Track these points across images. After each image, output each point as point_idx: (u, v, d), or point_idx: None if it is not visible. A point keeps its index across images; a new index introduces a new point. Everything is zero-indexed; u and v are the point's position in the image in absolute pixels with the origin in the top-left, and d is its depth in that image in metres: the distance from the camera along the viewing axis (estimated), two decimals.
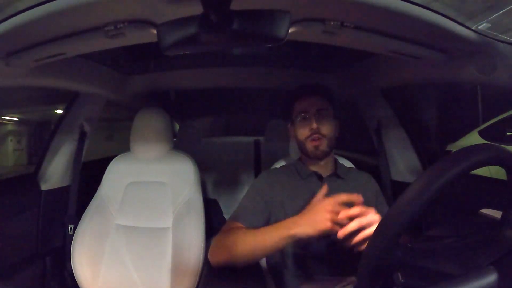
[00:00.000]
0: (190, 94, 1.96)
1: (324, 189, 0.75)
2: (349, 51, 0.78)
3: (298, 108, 0.93)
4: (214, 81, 1.46)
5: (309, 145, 0.91)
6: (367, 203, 0.91)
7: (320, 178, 0.93)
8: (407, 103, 1.44)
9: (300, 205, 0.89)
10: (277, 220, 0.89)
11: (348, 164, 1.08)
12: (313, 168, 0.95)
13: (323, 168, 0.95)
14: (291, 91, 0.99)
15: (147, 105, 1.31)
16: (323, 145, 0.90)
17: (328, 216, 0.67)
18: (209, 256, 0.83)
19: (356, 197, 0.70)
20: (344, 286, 0.82)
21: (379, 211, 0.91)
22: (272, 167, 1.10)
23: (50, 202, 1.28)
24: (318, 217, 0.68)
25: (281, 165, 1.08)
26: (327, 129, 0.90)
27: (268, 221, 0.90)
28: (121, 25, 0.62)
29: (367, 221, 0.65)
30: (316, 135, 0.89)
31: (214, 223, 1.54)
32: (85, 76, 1.11)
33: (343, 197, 0.70)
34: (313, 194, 0.90)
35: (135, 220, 1.13)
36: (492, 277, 0.40)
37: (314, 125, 0.88)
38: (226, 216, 1.65)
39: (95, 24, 0.63)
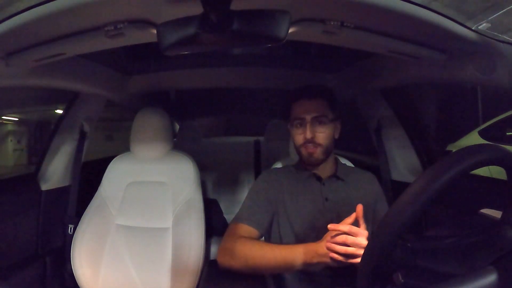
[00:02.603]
0: (190, 94, 1.96)
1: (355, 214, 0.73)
2: (349, 51, 0.78)
3: (295, 113, 0.91)
4: (214, 81, 1.46)
5: (304, 152, 0.90)
6: (367, 204, 0.92)
7: (319, 179, 0.93)
8: (407, 103, 1.43)
9: (301, 208, 0.89)
10: (280, 221, 0.89)
11: (350, 164, 1.08)
12: (313, 170, 0.94)
13: (323, 170, 0.94)
14: (289, 92, 0.97)
15: (147, 105, 1.31)
16: (318, 153, 0.89)
17: (328, 245, 0.69)
18: (219, 259, 0.83)
19: (358, 209, 0.71)
20: (345, 286, 0.82)
21: (379, 212, 0.91)
22: (272, 167, 1.10)
23: (50, 202, 1.28)
24: (322, 249, 0.71)
25: (281, 166, 1.08)
26: (322, 137, 0.88)
27: (272, 220, 0.91)
28: (121, 25, 0.62)
29: (352, 240, 0.67)
30: (310, 144, 0.88)
31: (214, 223, 1.53)
32: (85, 76, 1.11)
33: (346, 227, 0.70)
34: (312, 196, 0.90)
35: (135, 220, 1.13)
36: (492, 277, 0.40)
37: (309, 134, 0.86)
38: (226, 216, 1.65)
39: (95, 24, 0.63)
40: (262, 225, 0.88)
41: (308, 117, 0.88)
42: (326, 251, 0.70)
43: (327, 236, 0.72)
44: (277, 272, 0.78)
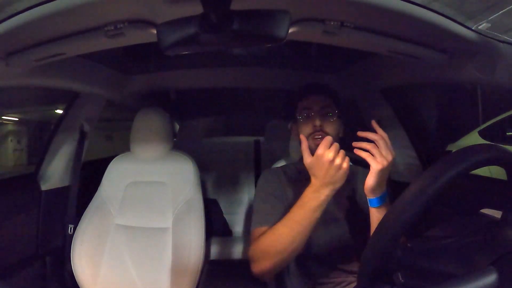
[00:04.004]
0: (190, 94, 1.96)
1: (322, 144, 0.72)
2: (349, 51, 0.78)
3: (302, 106, 0.91)
4: (214, 81, 1.46)
5: (311, 143, 0.88)
6: (367, 202, 0.91)
7: None
8: (407, 103, 1.43)
9: None
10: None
11: (350, 163, 1.08)
12: None
13: None
14: (295, 90, 0.97)
15: (147, 105, 1.31)
16: None
17: (337, 163, 0.70)
18: (253, 269, 0.79)
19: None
20: (344, 287, 0.82)
21: None
22: (273, 166, 1.10)
23: (50, 202, 1.28)
24: (331, 171, 0.70)
25: (281, 165, 1.08)
26: (330, 127, 0.88)
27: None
28: (121, 25, 0.62)
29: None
30: (319, 133, 0.87)
31: (214, 223, 1.54)
32: (85, 76, 1.11)
33: (329, 138, 0.72)
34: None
35: (135, 220, 1.13)
36: (492, 277, 0.40)
37: (317, 123, 0.86)
38: (226, 216, 1.65)
39: (95, 24, 0.63)
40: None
41: (317, 107, 0.88)
42: (333, 171, 0.70)
43: (318, 161, 0.71)
44: (308, 232, 0.74)
